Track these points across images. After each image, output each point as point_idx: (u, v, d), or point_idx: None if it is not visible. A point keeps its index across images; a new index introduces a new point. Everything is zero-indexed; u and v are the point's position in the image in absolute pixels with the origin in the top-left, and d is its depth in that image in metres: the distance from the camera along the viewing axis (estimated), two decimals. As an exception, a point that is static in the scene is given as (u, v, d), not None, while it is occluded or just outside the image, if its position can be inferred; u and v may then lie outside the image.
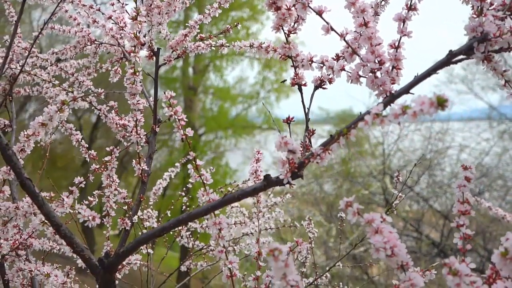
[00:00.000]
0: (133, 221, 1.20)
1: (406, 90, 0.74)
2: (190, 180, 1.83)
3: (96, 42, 1.52)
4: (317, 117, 10.34)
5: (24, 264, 1.11)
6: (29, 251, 1.26)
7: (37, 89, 1.76)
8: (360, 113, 0.76)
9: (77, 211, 0.97)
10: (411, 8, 0.79)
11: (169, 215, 1.88)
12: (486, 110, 8.49)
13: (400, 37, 0.79)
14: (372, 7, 0.92)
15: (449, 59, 0.72)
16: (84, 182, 1.20)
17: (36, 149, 1.03)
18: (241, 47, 1.23)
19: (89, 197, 1.26)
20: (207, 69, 10.86)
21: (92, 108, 1.34)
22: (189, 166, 0.95)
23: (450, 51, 0.72)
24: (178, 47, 1.38)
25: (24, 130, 1.01)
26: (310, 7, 0.82)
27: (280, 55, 0.93)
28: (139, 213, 1.64)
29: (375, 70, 0.80)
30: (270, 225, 1.83)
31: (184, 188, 2.03)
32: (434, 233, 7.25)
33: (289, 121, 0.92)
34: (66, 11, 1.50)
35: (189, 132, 0.93)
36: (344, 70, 0.86)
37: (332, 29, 0.82)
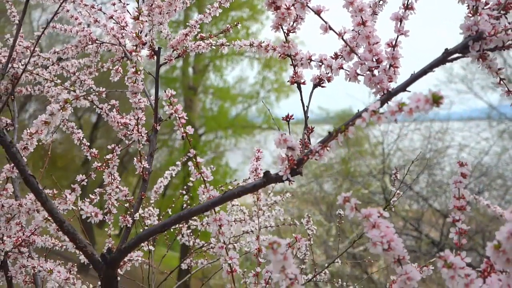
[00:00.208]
0: (135, 218, 1.21)
1: (403, 88, 0.76)
2: (191, 178, 1.84)
3: (97, 41, 1.54)
4: (317, 117, 10.37)
5: (27, 260, 1.13)
6: (31, 248, 1.28)
7: (38, 88, 1.77)
8: (358, 110, 0.78)
9: (79, 208, 0.99)
10: (408, 7, 0.81)
11: (170, 213, 1.89)
12: (486, 110, 8.51)
13: (397, 36, 0.81)
14: (370, 7, 0.93)
15: (445, 57, 0.74)
16: (85, 180, 1.21)
17: (36, 149, 1.04)
18: (241, 46, 1.24)
19: (90, 195, 1.27)
20: (207, 69, 10.88)
21: (94, 107, 1.36)
22: (190, 163, 0.96)
23: (446, 49, 0.74)
24: (179, 47, 1.39)
25: (27, 128, 1.02)
26: (308, 7, 0.83)
27: (279, 54, 0.95)
28: (140, 211, 1.65)
29: (373, 69, 0.81)
30: (270, 223, 1.85)
31: (185, 187, 2.04)
32: (434, 232, 7.26)
33: (288, 119, 0.93)
34: (68, 10, 1.52)
35: (190, 130, 0.94)
36: (342, 68, 0.88)
37: (331, 28, 0.84)
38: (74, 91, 1.05)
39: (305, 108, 0.92)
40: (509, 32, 0.71)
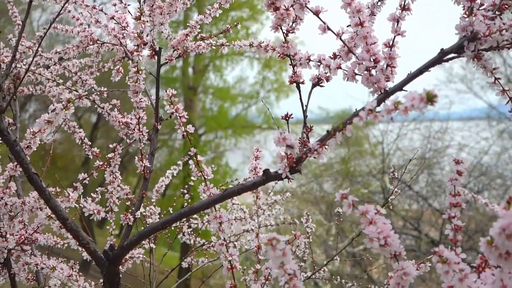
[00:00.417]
0: (136, 216, 1.23)
1: (400, 87, 0.77)
2: (191, 178, 1.86)
3: (98, 41, 1.55)
4: (317, 117, 10.39)
5: (30, 258, 1.14)
6: (34, 246, 1.29)
7: (40, 88, 1.79)
8: (356, 109, 0.79)
9: (81, 205, 1.00)
10: (404, 8, 0.82)
11: (171, 212, 1.91)
12: (486, 109, 8.52)
13: (394, 37, 0.82)
14: (368, 8, 0.95)
15: (441, 57, 0.75)
16: (87, 179, 1.23)
17: (36, 149, 1.06)
18: (240, 46, 1.26)
19: (92, 194, 1.28)
20: (207, 69, 10.89)
21: (95, 106, 1.37)
22: (191, 162, 0.98)
23: (442, 49, 0.75)
24: (179, 47, 1.41)
25: (30, 127, 1.04)
26: (307, 7, 0.85)
27: (278, 54, 0.96)
28: (142, 209, 1.67)
29: (370, 68, 0.82)
30: (270, 222, 1.86)
31: (186, 186, 2.06)
32: (433, 232, 7.28)
33: (287, 118, 0.95)
34: (69, 11, 1.53)
35: (190, 128, 0.96)
36: (340, 68, 0.89)
37: (329, 29, 0.85)
38: (76, 90, 1.07)
39: (304, 107, 0.94)
40: (504, 33, 0.72)
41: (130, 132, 1.30)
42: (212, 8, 1.38)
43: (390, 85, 0.81)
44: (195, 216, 1.87)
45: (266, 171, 0.83)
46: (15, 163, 1.09)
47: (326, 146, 0.78)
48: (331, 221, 7.33)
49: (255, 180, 0.84)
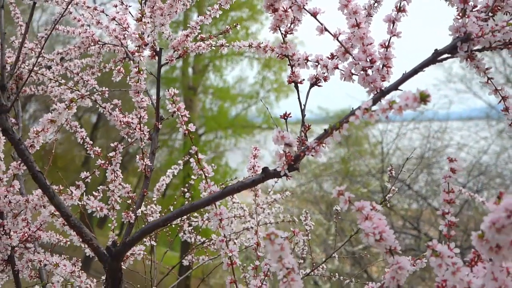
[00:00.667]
0: (137, 214, 1.25)
1: (395, 87, 0.79)
2: (192, 177, 1.88)
3: (99, 42, 1.57)
4: (317, 117, 10.42)
5: (34, 254, 1.16)
6: (37, 244, 1.31)
7: (42, 88, 1.81)
8: (352, 108, 0.81)
9: (85, 202, 1.02)
10: (400, 10, 0.84)
11: (172, 210, 1.93)
12: (485, 109, 8.55)
13: (390, 37, 0.84)
14: (365, 9, 0.97)
15: (435, 58, 0.77)
16: (89, 177, 1.25)
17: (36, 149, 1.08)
18: (240, 47, 1.28)
19: (93, 192, 1.31)
20: (207, 69, 10.91)
21: (95, 107, 1.39)
22: (192, 160, 1.00)
23: (436, 50, 0.77)
24: (180, 47, 1.43)
25: (34, 127, 1.06)
26: (305, 9, 0.87)
27: (277, 55, 0.99)
28: (143, 208, 1.69)
29: (367, 68, 0.85)
30: (270, 220, 1.88)
31: (186, 185, 2.08)
32: (433, 231, 7.30)
33: (286, 117, 0.97)
34: (71, 12, 1.55)
35: (191, 127, 0.98)
36: (337, 68, 0.91)
37: (326, 30, 0.87)
38: (78, 90, 1.09)
39: (302, 106, 0.96)
40: (496, 34, 0.74)
41: (131, 131, 1.32)
42: (212, 9, 1.40)
43: (386, 84, 0.83)
44: (195, 214, 1.89)
45: (265, 169, 0.85)
46: (19, 161, 1.11)
47: (324, 145, 0.80)
48: (330, 220, 7.35)
49: (254, 178, 0.86)
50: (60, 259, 1.12)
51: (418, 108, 0.63)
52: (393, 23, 0.84)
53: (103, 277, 1.19)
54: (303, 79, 0.99)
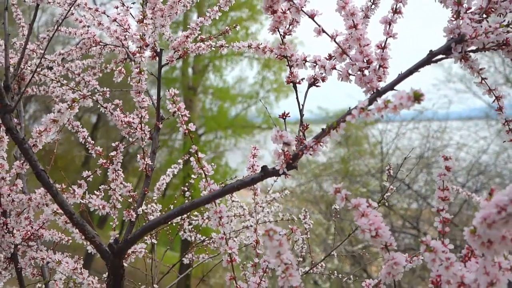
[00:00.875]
0: (138, 213, 1.26)
1: (391, 87, 0.81)
2: (192, 176, 1.89)
3: (101, 43, 1.59)
4: (316, 117, 10.44)
5: (36, 252, 1.18)
6: (39, 242, 1.33)
7: (43, 88, 1.83)
8: (349, 108, 0.83)
9: (87, 201, 1.04)
10: (396, 11, 0.86)
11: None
12: (485, 109, 8.57)
13: (386, 39, 0.86)
14: (362, 10, 0.99)
15: (430, 59, 0.79)
16: (91, 176, 1.27)
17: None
18: (239, 48, 1.30)
19: (95, 191, 1.32)
20: (207, 69, 10.93)
21: (95, 107, 1.41)
22: (192, 159, 1.02)
23: (431, 51, 0.79)
24: (180, 48, 1.44)
25: (36, 127, 1.08)
26: (303, 11, 0.89)
27: (276, 55, 1.00)
28: (143, 207, 1.71)
29: (363, 69, 0.86)
30: (269, 218, 1.90)
31: (187, 184, 2.10)
32: (432, 231, 7.31)
33: (284, 117, 0.99)
34: (72, 14, 1.57)
35: (192, 127, 0.99)
36: (335, 69, 0.93)
37: (324, 31, 0.89)
38: (80, 91, 1.10)
39: (301, 106, 0.98)
40: (489, 35, 0.76)
41: (132, 131, 1.34)
42: (212, 11, 1.42)
43: (382, 85, 0.85)
44: (195, 213, 1.91)
45: (264, 168, 0.87)
46: (22, 161, 1.13)
47: (321, 144, 0.82)
48: (330, 220, 7.37)
49: (253, 176, 0.88)
50: (62, 256, 1.13)
51: (413, 106, 0.64)
52: (389, 24, 0.86)
53: (105, 275, 1.21)
54: (302, 79, 1.01)
